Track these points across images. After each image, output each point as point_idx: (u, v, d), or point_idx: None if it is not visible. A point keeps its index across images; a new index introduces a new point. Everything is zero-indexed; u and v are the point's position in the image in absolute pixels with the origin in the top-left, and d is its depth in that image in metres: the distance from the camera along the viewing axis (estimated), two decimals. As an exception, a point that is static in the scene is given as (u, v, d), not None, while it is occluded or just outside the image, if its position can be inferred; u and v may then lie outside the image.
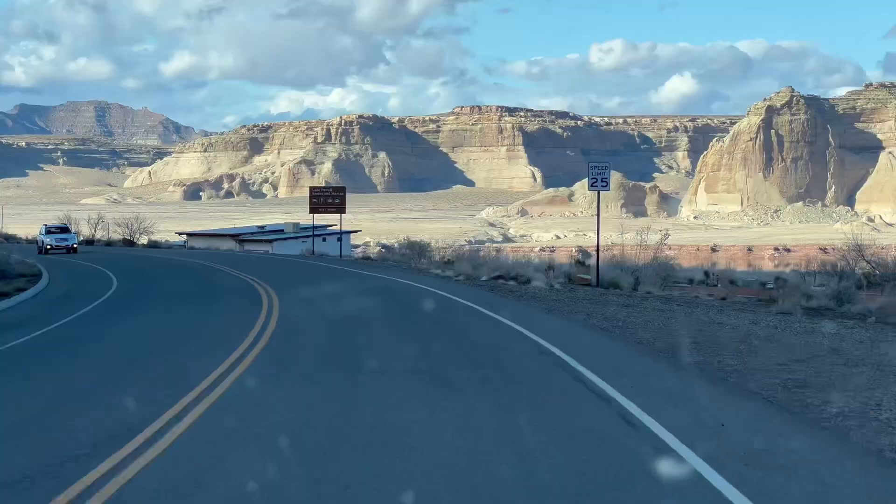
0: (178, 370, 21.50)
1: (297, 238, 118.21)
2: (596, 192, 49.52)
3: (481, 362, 22.25)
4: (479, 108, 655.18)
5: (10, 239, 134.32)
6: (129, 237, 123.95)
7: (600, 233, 51.53)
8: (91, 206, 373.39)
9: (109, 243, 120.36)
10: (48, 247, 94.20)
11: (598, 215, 50.93)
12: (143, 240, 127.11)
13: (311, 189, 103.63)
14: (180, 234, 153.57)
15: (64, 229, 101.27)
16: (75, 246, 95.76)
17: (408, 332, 29.02)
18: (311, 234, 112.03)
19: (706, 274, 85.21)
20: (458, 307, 36.82)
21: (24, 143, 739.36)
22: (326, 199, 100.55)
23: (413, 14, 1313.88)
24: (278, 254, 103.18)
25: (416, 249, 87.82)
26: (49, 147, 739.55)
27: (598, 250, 52.33)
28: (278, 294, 41.55)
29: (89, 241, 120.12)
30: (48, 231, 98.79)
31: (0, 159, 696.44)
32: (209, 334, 28.87)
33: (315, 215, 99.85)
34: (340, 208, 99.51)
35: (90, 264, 71.21)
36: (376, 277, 54.75)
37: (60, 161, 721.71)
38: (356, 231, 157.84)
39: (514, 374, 20.54)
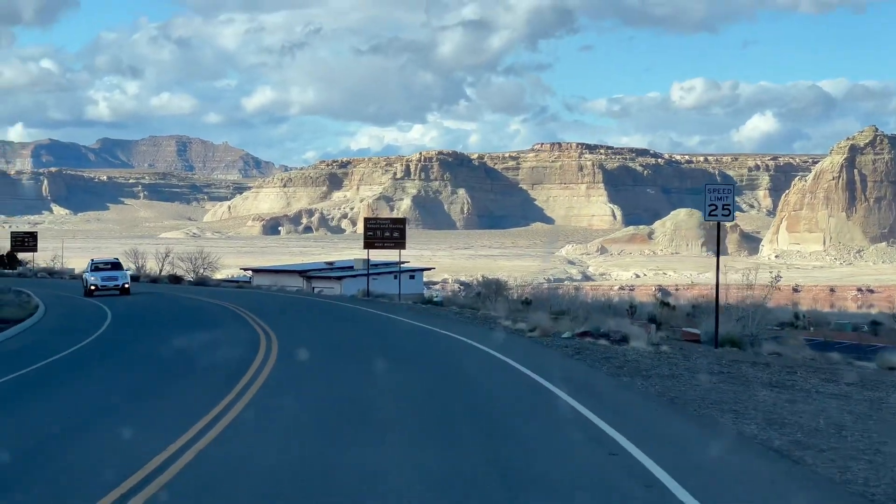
0: None
1: (367, 275, 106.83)
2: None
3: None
4: (559, 145, 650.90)
5: (54, 274, 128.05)
6: (179, 273, 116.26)
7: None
8: (170, 239, 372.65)
9: (155, 280, 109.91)
10: (92, 287, 78.18)
11: (718, 254, 40.33)
12: (212, 274, 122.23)
13: (366, 220, 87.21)
14: (244, 269, 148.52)
15: (115, 265, 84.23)
16: (127, 285, 79.19)
17: (435, 471, 16.23)
18: (384, 270, 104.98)
19: (796, 316, 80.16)
20: (531, 393, 24.88)
21: (105, 177, 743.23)
22: (383, 232, 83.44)
23: (494, 51, 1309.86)
24: (330, 295, 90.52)
25: (493, 288, 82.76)
26: (130, 181, 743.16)
27: (717, 303, 40.02)
28: (277, 360, 31.09)
29: (134, 278, 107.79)
30: (95, 268, 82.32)
31: (82, 192, 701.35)
32: (93, 455, 17.91)
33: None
34: (399, 243, 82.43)
35: (103, 307, 62.32)
36: (426, 332, 43.25)
37: (141, 195, 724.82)
38: (428, 269, 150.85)
39: None
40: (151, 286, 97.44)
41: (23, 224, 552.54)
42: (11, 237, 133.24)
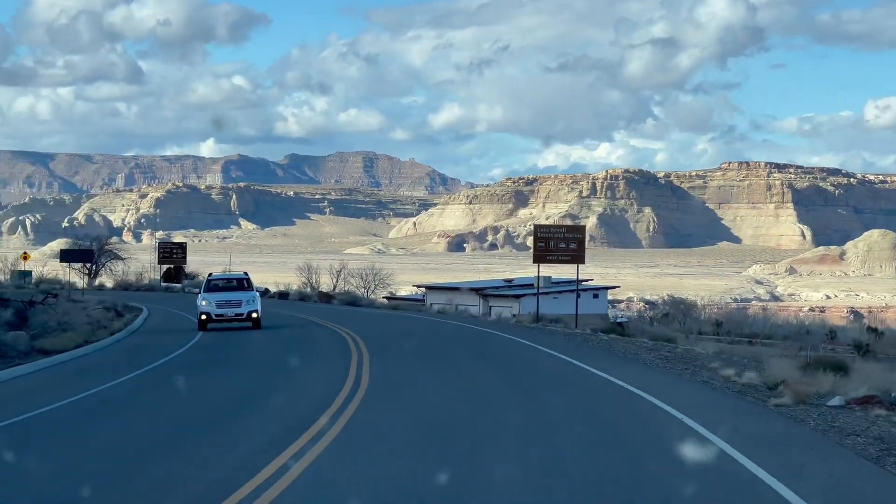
0: None
1: (548, 294, 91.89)
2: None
3: None
4: (747, 164, 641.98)
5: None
6: (349, 289, 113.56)
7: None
8: (354, 255, 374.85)
9: (304, 297, 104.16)
10: (203, 316, 55.53)
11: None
12: (379, 294, 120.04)
13: (536, 228, 73.11)
14: (417, 286, 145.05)
15: (240, 282, 58.29)
16: (255, 314, 55.50)
17: None
18: (564, 289, 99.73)
19: None
20: None
21: (292, 193, 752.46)
22: (558, 242, 67.64)
23: (683, 69, 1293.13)
24: (494, 322, 74.07)
25: (681, 308, 79.32)
26: (316, 197, 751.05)
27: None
28: (304, 473, 17.08)
29: (283, 295, 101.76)
30: (212, 286, 58.24)
31: (269, 208, 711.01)
32: None
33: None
34: (577, 257, 67.01)
35: (192, 336, 52.26)
36: (613, 393, 28.80)
37: (327, 210, 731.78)
38: (612, 287, 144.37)
39: None
40: (292, 305, 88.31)
41: (211, 238, 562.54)
42: (158, 248, 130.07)
